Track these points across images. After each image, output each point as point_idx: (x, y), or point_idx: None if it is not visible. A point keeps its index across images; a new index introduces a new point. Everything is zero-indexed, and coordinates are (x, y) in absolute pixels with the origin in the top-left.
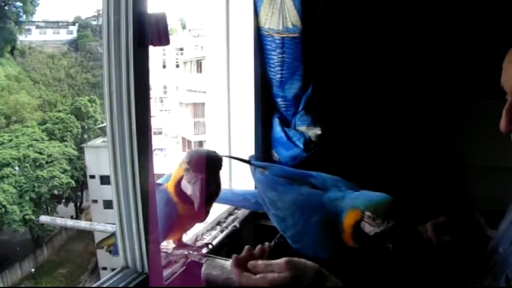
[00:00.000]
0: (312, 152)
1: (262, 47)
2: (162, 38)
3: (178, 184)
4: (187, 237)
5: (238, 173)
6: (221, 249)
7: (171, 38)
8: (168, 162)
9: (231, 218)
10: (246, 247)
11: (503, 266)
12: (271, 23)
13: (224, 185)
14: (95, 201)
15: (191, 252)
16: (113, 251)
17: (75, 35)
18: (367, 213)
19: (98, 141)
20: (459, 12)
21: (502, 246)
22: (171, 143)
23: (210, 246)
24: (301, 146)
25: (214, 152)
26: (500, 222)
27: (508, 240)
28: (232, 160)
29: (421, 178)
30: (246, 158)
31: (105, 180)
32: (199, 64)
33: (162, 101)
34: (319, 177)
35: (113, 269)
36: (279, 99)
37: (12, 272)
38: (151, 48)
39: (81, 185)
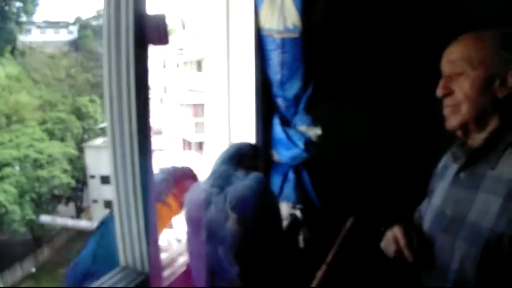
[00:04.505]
0: (312, 152)
1: (262, 47)
2: (162, 38)
3: None
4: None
5: None
6: None
7: (171, 38)
8: (168, 162)
9: None
10: None
11: (456, 224)
12: (271, 23)
13: None
14: (95, 201)
15: None
16: None
17: (75, 35)
18: None
19: (98, 141)
20: (460, 12)
21: (446, 209)
22: (171, 143)
23: None
24: (302, 146)
25: None
26: (429, 192)
27: (451, 203)
28: None
29: (420, 178)
30: None
31: (105, 180)
32: (199, 64)
33: (162, 101)
34: None
35: None
36: (279, 99)
37: (13, 272)
38: (151, 48)
39: (82, 185)
